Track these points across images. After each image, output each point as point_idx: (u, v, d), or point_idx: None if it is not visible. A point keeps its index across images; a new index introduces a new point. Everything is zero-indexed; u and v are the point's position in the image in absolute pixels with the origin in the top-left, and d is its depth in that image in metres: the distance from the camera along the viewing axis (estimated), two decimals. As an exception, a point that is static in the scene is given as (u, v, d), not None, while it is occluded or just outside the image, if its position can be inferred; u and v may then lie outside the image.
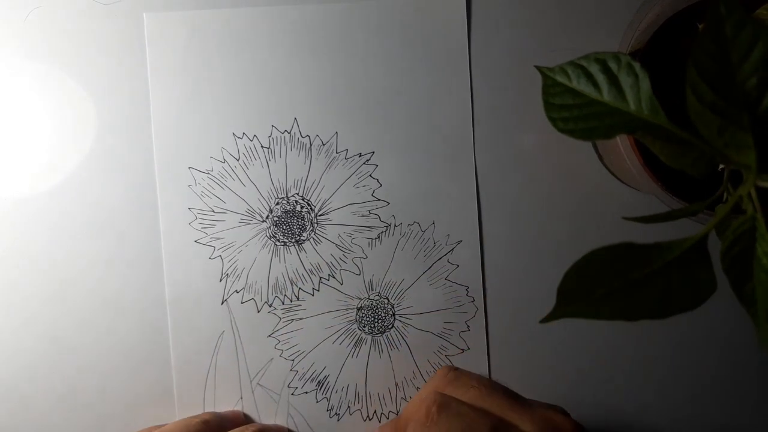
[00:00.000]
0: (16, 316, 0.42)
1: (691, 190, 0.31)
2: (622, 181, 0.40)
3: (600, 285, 0.25)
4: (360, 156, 0.42)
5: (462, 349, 0.43)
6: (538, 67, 0.27)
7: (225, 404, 0.43)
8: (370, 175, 0.43)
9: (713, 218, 0.25)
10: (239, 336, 0.43)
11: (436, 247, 0.43)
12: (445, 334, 0.43)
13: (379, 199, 0.43)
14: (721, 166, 0.26)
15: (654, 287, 0.25)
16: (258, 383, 0.43)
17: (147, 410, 0.42)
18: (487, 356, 0.43)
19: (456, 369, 0.36)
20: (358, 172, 0.43)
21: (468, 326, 0.43)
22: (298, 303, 0.43)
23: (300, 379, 0.43)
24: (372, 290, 0.43)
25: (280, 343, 0.43)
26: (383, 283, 0.43)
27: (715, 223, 0.25)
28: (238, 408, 0.43)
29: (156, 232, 0.42)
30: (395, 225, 0.43)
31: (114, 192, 0.42)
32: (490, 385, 0.35)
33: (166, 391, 0.42)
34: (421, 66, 0.42)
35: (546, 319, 0.26)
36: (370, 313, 0.43)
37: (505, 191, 0.43)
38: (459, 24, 0.42)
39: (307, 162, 0.42)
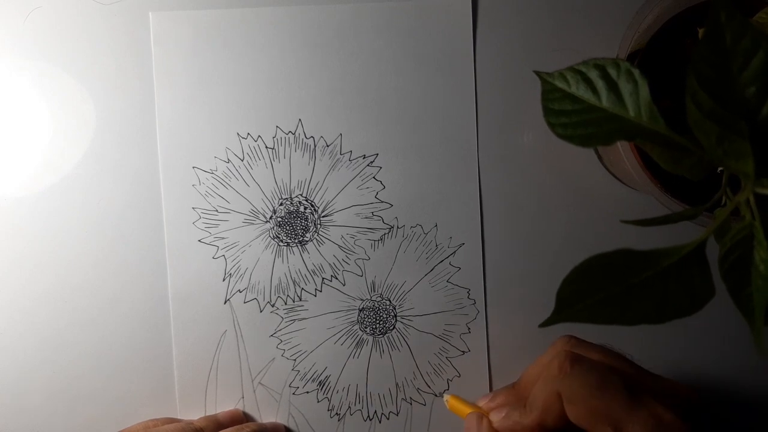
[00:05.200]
0: (19, 315, 0.43)
1: (690, 191, 0.31)
2: (623, 182, 0.40)
3: (598, 290, 0.25)
4: (364, 158, 0.43)
5: (462, 351, 0.44)
6: (537, 73, 0.27)
7: (226, 403, 0.43)
8: (374, 177, 0.43)
9: (711, 224, 0.25)
10: (241, 335, 0.43)
11: (438, 249, 0.43)
12: (446, 336, 0.44)
13: (383, 201, 0.43)
14: (720, 168, 0.26)
15: (652, 293, 0.25)
16: (259, 383, 0.43)
17: (148, 408, 0.43)
18: (487, 358, 0.43)
19: (576, 337, 0.36)
20: (362, 173, 0.43)
21: (469, 328, 0.43)
22: (300, 303, 0.43)
23: (301, 378, 0.43)
24: (374, 291, 0.43)
25: (282, 342, 0.43)
26: (385, 285, 0.43)
27: (714, 229, 0.25)
28: (239, 407, 0.43)
29: (160, 231, 0.42)
30: (398, 227, 0.43)
31: (118, 191, 0.42)
32: (614, 353, 0.35)
33: (168, 390, 0.43)
34: (426, 69, 0.42)
35: (545, 324, 0.26)
36: (371, 314, 0.44)
37: (508, 195, 0.43)
38: (465, 28, 0.42)
39: (311, 163, 0.42)
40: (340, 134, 0.43)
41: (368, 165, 0.43)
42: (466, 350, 0.44)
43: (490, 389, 0.43)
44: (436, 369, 0.44)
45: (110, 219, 0.42)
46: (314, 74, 0.42)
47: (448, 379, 0.44)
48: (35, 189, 0.42)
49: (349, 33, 0.42)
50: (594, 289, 0.25)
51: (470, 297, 0.43)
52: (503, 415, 0.37)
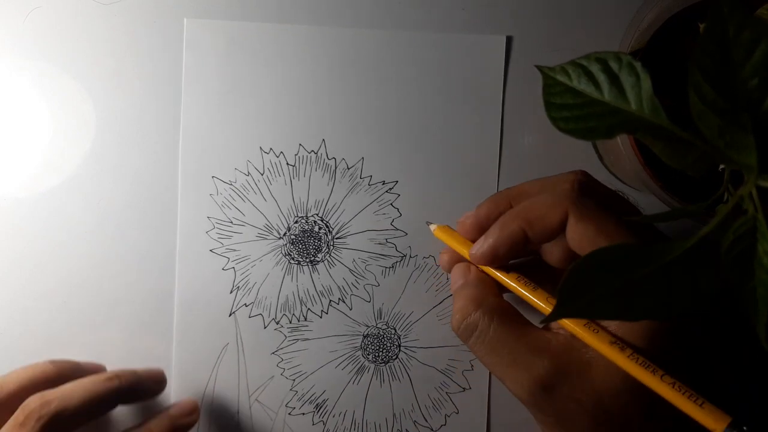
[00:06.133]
0: (19, 315, 0.42)
1: (691, 190, 0.31)
2: (623, 181, 0.39)
3: (601, 285, 0.25)
4: (383, 184, 0.43)
5: (463, 388, 0.42)
6: (538, 67, 0.28)
7: (221, 417, 0.42)
8: (391, 204, 0.43)
9: (714, 218, 0.24)
10: (243, 350, 0.42)
11: (448, 282, 0.43)
12: (449, 371, 0.42)
13: (398, 229, 0.43)
14: (722, 166, 0.26)
15: (655, 287, 0.24)
16: (256, 399, 0.42)
17: (141, 413, 0.42)
18: (488, 398, 0.42)
19: (589, 174, 0.34)
20: (379, 199, 0.43)
21: (472, 366, 0.42)
22: (305, 323, 0.43)
23: (299, 399, 0.42)
24: (380, 319, 0.43)
25: (283, 361, 0.42)
26: (392, 313, 0.43)
27: (716, 223, 0.24)
28: (234, 422, 0.42)
29: (172, 238, 0.42)
30: (411, 256, 0.43)
31: (135, 194, 0.43)
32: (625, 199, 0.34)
33: (163, 397, 0.42)
34: (454, 103, 0.43)
35: (547, 320, 0.26)
36: (375, 341, 0.43)
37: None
38: (496, 70, 0.43)
39: (331, 184, 0.43)
40: (362, 158, 0.43)
41: (387, 191, 0.43)
42: (467, 387, 0.42)
43: (488, 429, 0.41)
44: (435, 403, 0.42)
45: (124, 222, 0.42)
46: (343, 96, 0.43)
47: (445, 415, 0.42)
48: (48, 192, 0.42)
49: (380, 58, 0.43)
50: (597, 284, 0.25)
51: (478, 333, 0.42)
52: (481, 239, 0.34)
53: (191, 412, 0.40)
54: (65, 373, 0.39)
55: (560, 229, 0.31)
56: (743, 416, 0.26)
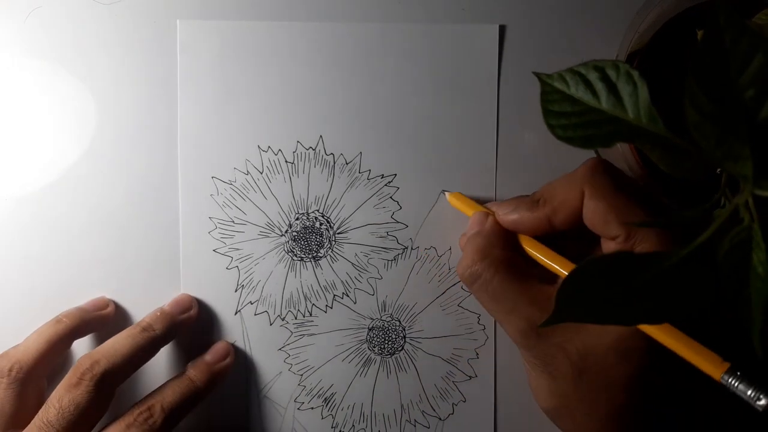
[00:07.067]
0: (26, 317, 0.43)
1: (689, 193, 0.31)
2: None
3: (599, 292, 0.25)
4: (382, 177, 0.43)
5: (470, 376, 0.43)
6: (536, 74, 0.28)
7: (230, 414, 0.43)
8: (391, 197, 0.43)
9: (710, 227, 0.25)
10: (250, 347, 0.43)
11: (451, 272, 0.43)
12: (454, 360, 0.43)
13: (398, 222, 0.43)
14: (719, 169, 0.26)
15: (652, 294, 0.25)
16: (265, 395, 0.43)
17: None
18: (494, 385, 0.42)
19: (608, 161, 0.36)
20: (379, 193, 0.43)
21: (477, 354, 0.43)
22: (310, 319, 0.43)
23: (307, 394, 0.43)
24: (384, 311, 0.43)
25: (290, 357, 0.43)
26: (396, 305, 0.43)
27: (713, 231, 0.24)
28: (243, 420, 0.43)
29: (175, 239, 0.43)
30: (412, 248, 0.43)
31: (135, 197, 0.43)
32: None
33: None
34: (449, 94, 0.43)
35: (546, 324, 0.26)
36: (381, 333, 0.43)
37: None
38: (490, 57, 0.43)
39: (330, 179, 0.43)
40: (360, 153, 0.43)
41: (386, 185, 0.43)
42: (473, 375, 0.43)
43: (495, 416, 0.42)
44: (442, 393, 0.43)
45: (125, 225, 0.43)
46: (339, 91, 0.43)
47: (453, 404, 0.43)
48: (52, 193, 0.43)
49: (375, 52, 0.43)
50: (595, 291, 0.25)
51: (480, 322, 0.43)
52: (511, 209, 0.37)
53: (226, 355, 0.42)
54: (75, 325, 0.41)
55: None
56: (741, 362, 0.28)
